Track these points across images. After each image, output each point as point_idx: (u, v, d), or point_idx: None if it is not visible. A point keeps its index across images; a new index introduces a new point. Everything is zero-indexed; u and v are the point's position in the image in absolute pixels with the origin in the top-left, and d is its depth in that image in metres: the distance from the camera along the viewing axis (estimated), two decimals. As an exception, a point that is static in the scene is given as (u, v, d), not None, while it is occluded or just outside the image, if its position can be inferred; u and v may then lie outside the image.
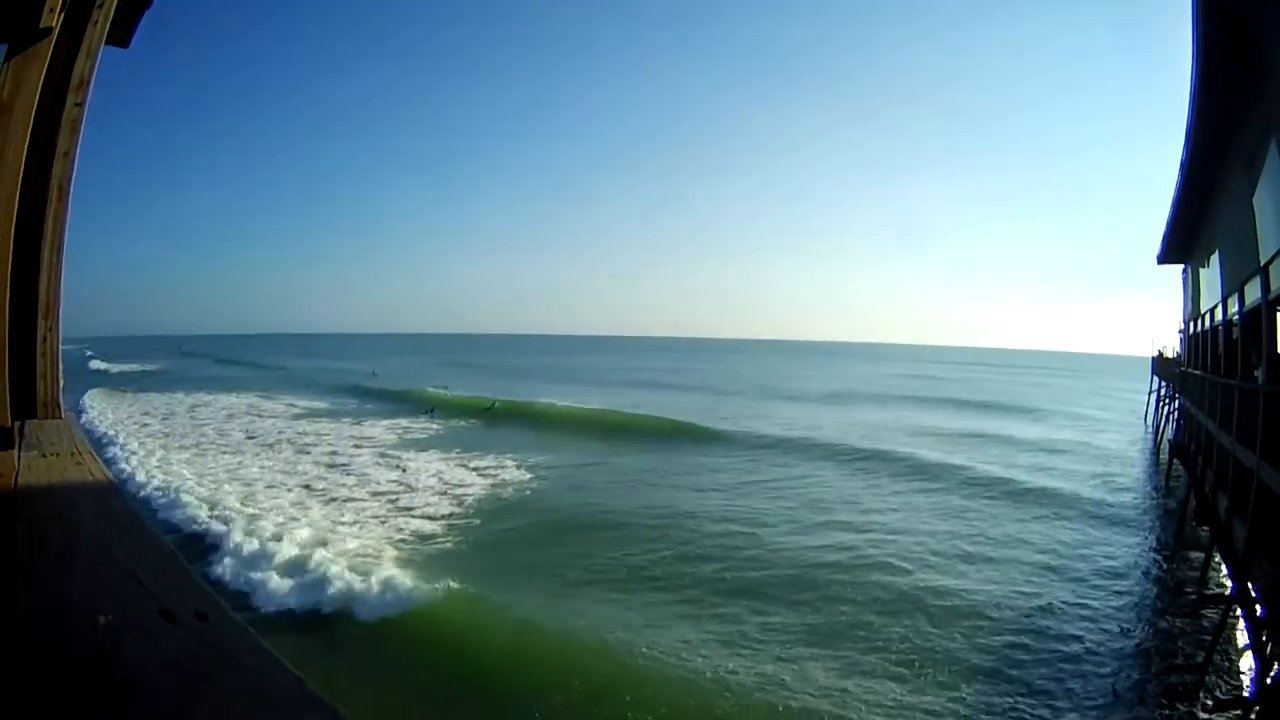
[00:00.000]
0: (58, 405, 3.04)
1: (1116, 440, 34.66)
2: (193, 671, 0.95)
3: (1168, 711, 8.96)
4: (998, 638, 11.09)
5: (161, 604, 1.10)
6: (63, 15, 2.73)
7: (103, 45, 3.02)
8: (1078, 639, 11.25)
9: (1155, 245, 22.19)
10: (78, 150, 3.00)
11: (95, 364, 76.96)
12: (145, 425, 32.82)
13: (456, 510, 17.83)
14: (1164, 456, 25.96)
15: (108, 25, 2.99)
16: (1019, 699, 9.29)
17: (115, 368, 74.76)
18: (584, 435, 31.39)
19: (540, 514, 17.77)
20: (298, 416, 37.53)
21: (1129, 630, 11.66)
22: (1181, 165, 14.22)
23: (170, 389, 51.41)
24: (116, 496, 1.83)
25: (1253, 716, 6.26)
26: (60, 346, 3.07)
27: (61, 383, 3.10)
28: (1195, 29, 8.71)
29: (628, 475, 23.13)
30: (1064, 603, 12.74)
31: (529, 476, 21.93)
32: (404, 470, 22.58)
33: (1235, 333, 12.61)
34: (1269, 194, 8.62)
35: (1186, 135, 12.44)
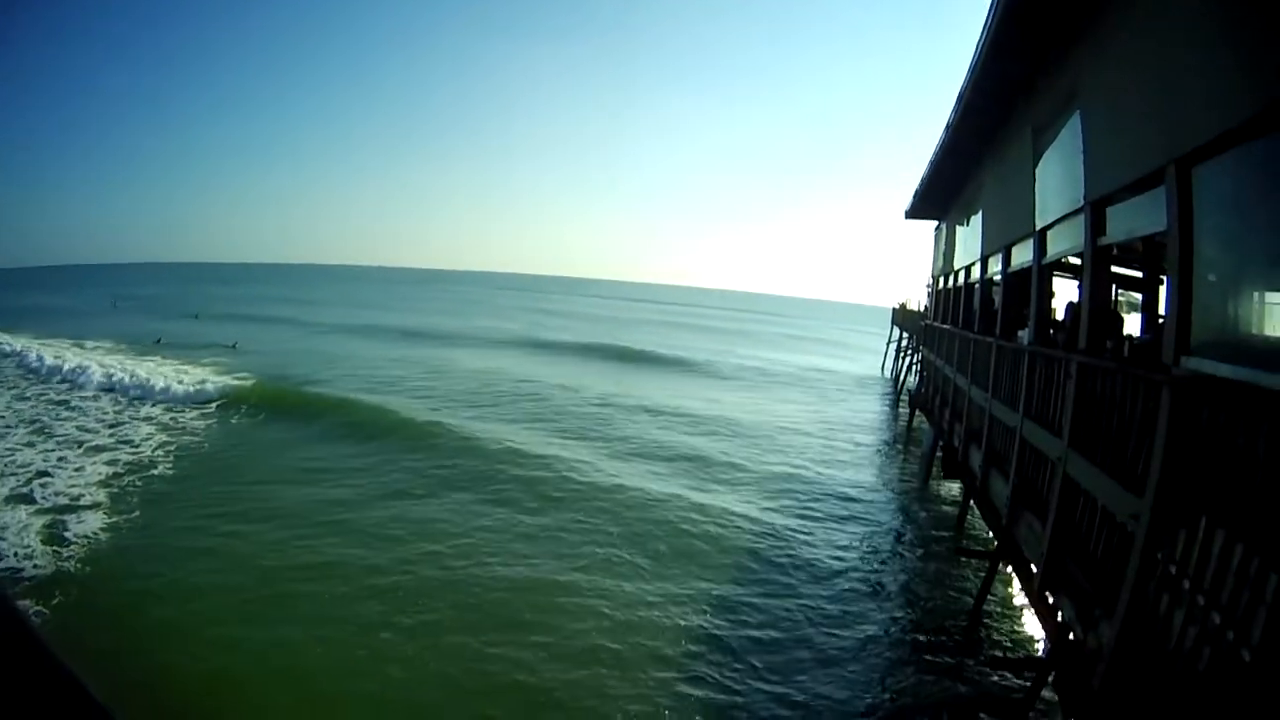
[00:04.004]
0: None
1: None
2: None
3: (945, 667, 9.98)
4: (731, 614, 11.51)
5: None
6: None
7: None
8: (830, 601, 12.16)
9: (899, 201, 24.63)
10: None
11: None
12: None
13: None
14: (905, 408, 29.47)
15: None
16: (762, 683, 9.70)
17: None
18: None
19: None
20: None
21: (884, 589, 12.82)
22: (949, 127, 15.09)
23: None
24: None
25: (1051, 676, 6.92)
26: None
27: None
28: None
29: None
30: (807, 562, 13.71)
31: None
32: None
33: (995, 292, 14.08)
34: (1057, 163, 9.53)
35: (961, 96, 13.11)
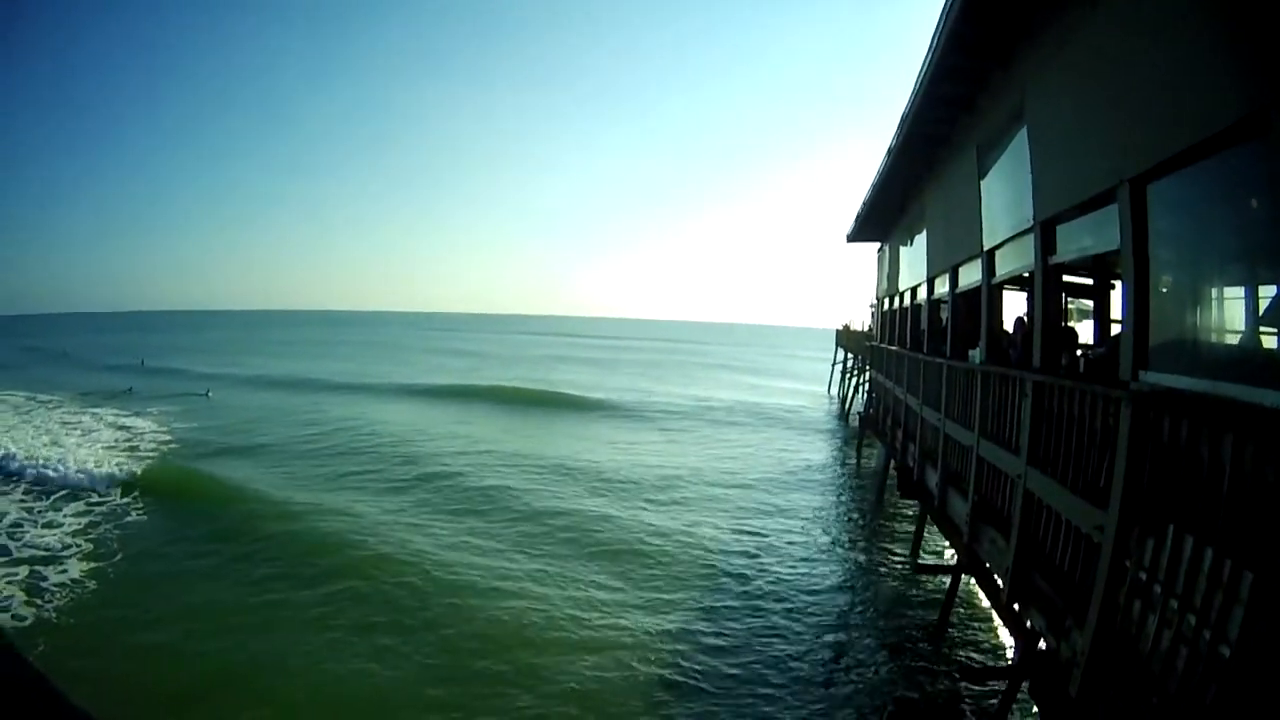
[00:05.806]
0: None
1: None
2: None
3: (917, 681, 10.22)
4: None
5: None
6: None
7: None
8: (793, 622, 12.39)
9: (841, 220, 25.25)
10: None
11: None
12: None
13: None
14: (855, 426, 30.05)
15: None
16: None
17: None
18: None
19: None
20: None
21: (849, 609, 13.11)
22: (891, 151, 15.55)
23: None
24: None
25: (1025, 684, 7.18)
26: None
27: None
28: (943, 25, 9.49)
29: None
30: (770, 584, 13.94)
31: None
32: None
33: (944, 311, 14.54)
34: (1003, 182, 9.92)
35: (903, 121, 13.48)
